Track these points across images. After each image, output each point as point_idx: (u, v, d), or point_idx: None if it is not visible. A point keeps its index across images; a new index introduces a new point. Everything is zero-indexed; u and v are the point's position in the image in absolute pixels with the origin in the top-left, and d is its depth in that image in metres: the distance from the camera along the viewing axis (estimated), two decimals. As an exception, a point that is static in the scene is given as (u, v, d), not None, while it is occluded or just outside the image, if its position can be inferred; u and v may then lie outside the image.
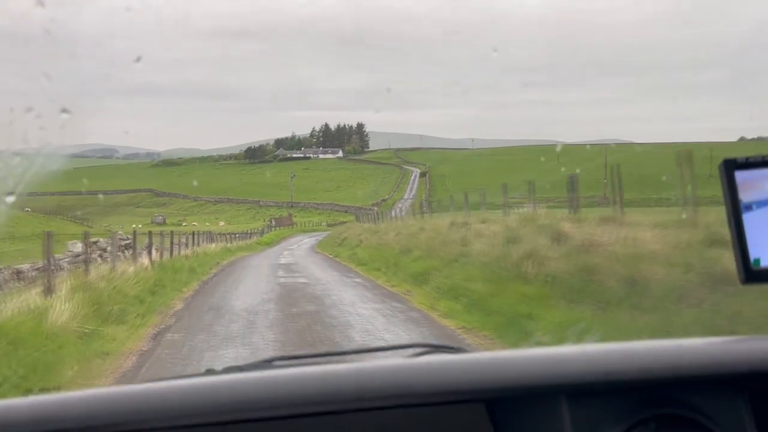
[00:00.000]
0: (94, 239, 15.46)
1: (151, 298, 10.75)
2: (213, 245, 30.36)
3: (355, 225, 52.22)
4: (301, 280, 15.61)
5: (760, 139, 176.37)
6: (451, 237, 16.60)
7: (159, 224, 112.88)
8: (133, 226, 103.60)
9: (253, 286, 14.30)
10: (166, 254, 18.94)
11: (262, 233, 60.64)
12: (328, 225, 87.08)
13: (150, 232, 16.06)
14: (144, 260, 14.25)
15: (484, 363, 1.17)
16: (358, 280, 16.00)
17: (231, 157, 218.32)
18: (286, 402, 1.10)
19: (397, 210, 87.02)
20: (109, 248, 17.86)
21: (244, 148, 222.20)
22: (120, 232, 19.03)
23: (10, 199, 6.14)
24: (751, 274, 1.10)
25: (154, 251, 16.20)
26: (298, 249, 41.38)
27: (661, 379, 1.11)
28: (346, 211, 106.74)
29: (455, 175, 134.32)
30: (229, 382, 1.15)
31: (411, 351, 1.42)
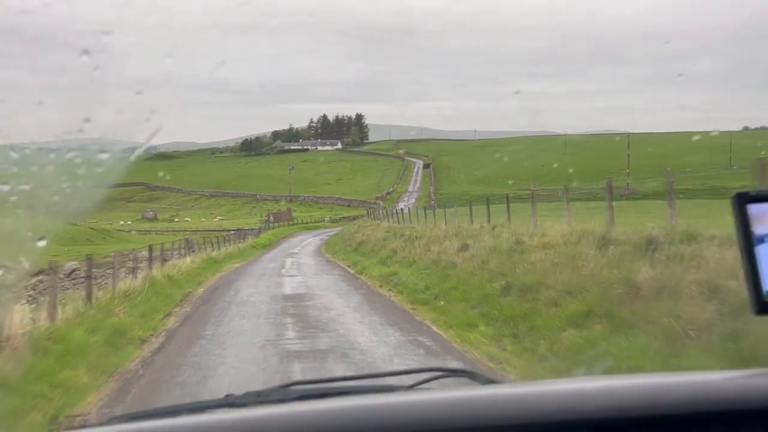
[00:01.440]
0: None
1: None
2: (188, 259, 21.74)
3: (369, 223, 43.73)
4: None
5: (763, 128, 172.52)
6: (632, 268, 8.10)
7: (150, 220, 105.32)
8: (121, 222, 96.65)
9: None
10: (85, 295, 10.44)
11: (258, 233, 52.25)
12: (332, 221, 79.49)
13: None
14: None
15: (507, 397, 1.16)
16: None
17: (227, 149, 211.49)
18: None
19: (404, 203, 79.76)
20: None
21: (241, 141, 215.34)
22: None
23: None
24: (763, 305, 1.09)
25: (20, 313, 7.41)
26: (303, 255, 32.90)
27: (684, 414, 1.08)
28: (349, 205, 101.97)
29: (459, 166, 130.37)
30: (251, 419, 1.14)
31: (428, 375, 1.42)
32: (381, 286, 16.01)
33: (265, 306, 13.03)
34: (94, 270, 12.10)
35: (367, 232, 33.80)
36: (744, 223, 1.11)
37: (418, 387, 1.42)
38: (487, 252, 13.62)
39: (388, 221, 39.37)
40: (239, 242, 40.07)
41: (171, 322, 11.25)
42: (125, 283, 13.46)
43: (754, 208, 1.11)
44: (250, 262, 29.70)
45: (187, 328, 10.54)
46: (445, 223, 23.52)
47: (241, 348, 8.75)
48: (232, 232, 53.83)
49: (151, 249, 16.76)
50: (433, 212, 28.49)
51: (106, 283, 14.10)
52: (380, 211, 56.28)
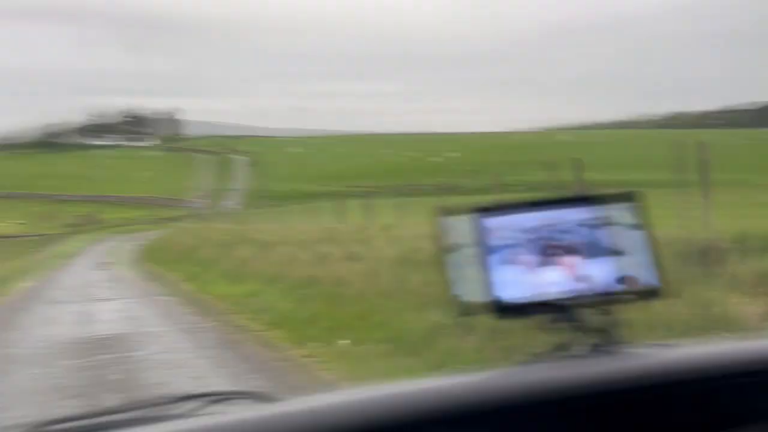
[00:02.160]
0: None
1: None
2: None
3: (199, 224, 38.53)
4: None
5: (565, 128, 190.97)
6: (708, 298, 4.95)
7: None
8: None
9: None
10: None
11: (61, 239, 44.82)
12: (150, 222, 72.31)
13: None
14: None
15: (282, 415, 1.13)
16: None
17: (21, 145, 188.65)
18: None
19: (231, 201, 74.67)
20: None
21: (39, 136, 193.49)
22: None
23: None
24: (499, 309, 1.15)
25: None
26: (119, 266, 27.11)
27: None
28: (168, 205, 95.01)
29: (285, 164, 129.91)
30: None
31: (206, 400, 1.32)
32: (240, 313, 11.74)
33: (67, 364, 8.24)
34: None
35: (199, 236, 28.94)
36: (479, 234, 1.17)
37: (197, 413, 1.28)
38: (396, 264, 9.99)
39: (222, 222, 34.56)
40: (36, 251, 32.95)
41: None
42: None
43: (488, 221, 1.18)
44: (48, 278, 23.50)
45: None
46: (307, 224, 19.62)
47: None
48: (30, 238, 46.26)
49: None
50: (289, 211, 24.45)
51: None
52: (207, 211, 51.15)
